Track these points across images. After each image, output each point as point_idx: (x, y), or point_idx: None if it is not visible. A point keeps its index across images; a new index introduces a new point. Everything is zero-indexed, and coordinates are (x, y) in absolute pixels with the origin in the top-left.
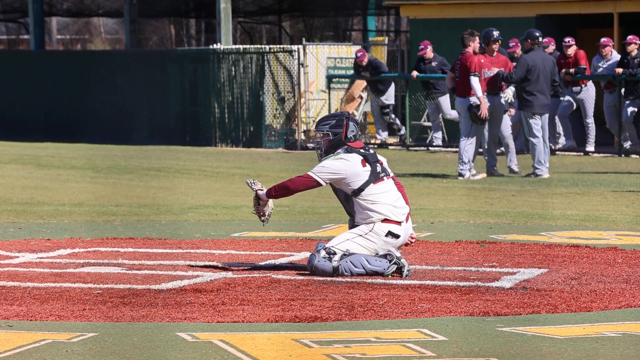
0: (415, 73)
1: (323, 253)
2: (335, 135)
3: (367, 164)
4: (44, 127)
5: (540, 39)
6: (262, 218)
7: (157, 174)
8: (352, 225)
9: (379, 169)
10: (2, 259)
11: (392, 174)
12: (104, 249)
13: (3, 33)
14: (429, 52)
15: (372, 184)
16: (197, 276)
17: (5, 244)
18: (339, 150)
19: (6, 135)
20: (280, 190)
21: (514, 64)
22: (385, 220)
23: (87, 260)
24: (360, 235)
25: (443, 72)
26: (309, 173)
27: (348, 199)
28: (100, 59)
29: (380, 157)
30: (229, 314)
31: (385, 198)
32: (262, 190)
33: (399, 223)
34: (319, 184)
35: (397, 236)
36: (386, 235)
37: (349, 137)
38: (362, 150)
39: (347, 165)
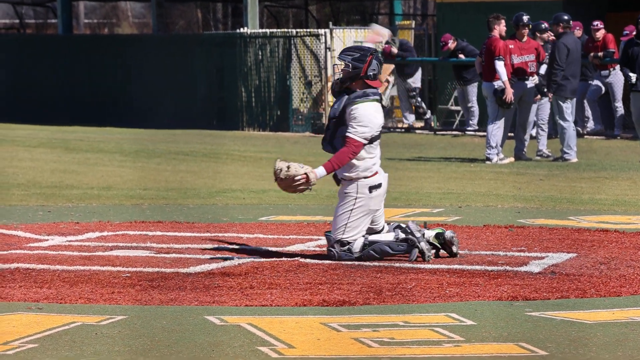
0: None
1: (338, 247)
2: (354, 68)
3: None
4: (72, 111)
5: (570, 22)
6: (309, 188)
7: (185, 158)
8: (338, 181)
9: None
10: (32, 242)
11: None
12: (132, 232)
13: (31, 17)
14: (451, 44)
15: (377, 140)
16: (225, 260)
17: (34, 227)
18: (372, 95)
19: (35, 119)
20: (337, 166)
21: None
22: (365, 178)
23: (115, 244)
24: (352, 209)
25: (466, 54)
26: (354, 137)
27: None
28: (128, 43)
29: None
30: (257, 298)
31: (376, 152)
32: (311, 171)
33: (375, 173)
34: (363, 145)
35: (379, 185)
36: (370, 192)
37: (368, 74)
38: (382, 103)
39: (378, 114)
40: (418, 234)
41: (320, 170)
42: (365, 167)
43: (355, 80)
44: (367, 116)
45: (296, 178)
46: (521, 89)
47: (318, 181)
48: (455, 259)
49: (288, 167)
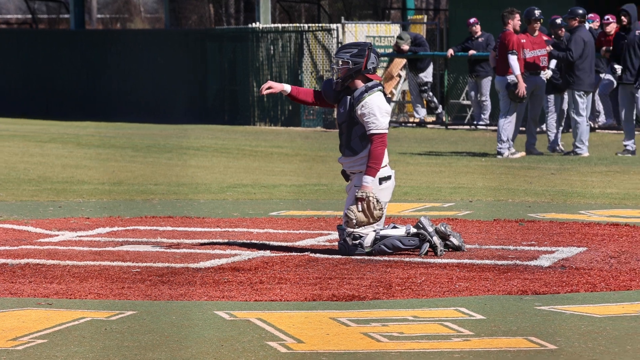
0: (450, 51)
1: (350, 241)
2: (355, 64)
3: None
4: (84, 106)
5: (586, 16)
6: (372, 221)
7: (196, 153)
8: (346, 178)
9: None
10: (42, 238)
11: None
12: (142, 227)
13: (44, 12)
14: (477, 27)
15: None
16: (235, 255)
17: (45, 223)
18: (375, 86)
19: (47, 114)
20: (379, 164)
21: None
22: None
23: (126, 239)
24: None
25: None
26: (377, 132)
27: (364, 138)
28: (140, 38)
29: None
30: (266, 293)
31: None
32: (361, 190)
33: (385, 166)
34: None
35: (388, 177)
36: (380, 183)
37: (368, 68)
38: (385, 95)
39: (385, 102)
40: (430, 229)
41: (368, 180)
42: None
43: (356, 76)
44: (379, 106)
45: (356, 209)
46: (533, 84)
47: (327, 178)
48: (465, 253)
49: (353, 214)
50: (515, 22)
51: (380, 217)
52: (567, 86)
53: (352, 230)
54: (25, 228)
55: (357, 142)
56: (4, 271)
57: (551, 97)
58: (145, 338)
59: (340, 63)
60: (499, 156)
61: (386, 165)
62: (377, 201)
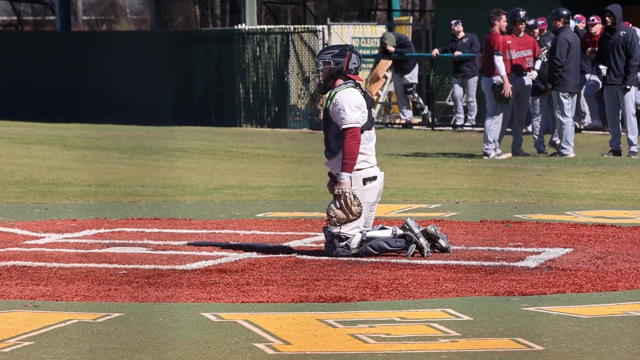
0: (436, 51)
1: (337, 242)
2: (336, 64)
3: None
4: (70, 107)
5: (570, 17)
6: (352, 217)
7: (182, 155)
8: (332, 180)
9: (373, 116)
10: (29, 240)
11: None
12: (129, 229)
13: (29, 14)
14: (459, 27)
15: (366, 129)
16: (222, 256)
17: (31, 225)
18: (348, 82)
19: (32, 116)
20: (353, 160)
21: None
22: (357, 170)
23: (112, 241)
24: None
25: (473, 50)
26: (347, 126)
27: (339, 137)
28: (126, 39)
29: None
30: (253, 294)
31: (369, 145)
32: (339, 187)
33: (370, 167)
34: (360, 128)
35: (374, 178)
36: (364, 184)
37: (350, 68)
38: (363, 91)
39: (359, 97)
40: (416, 230)
41: (344, 177)
42: (357, 160)
43: (338, 77)
44: (348, 101)
45: (335, 206)
46: (519, 85)
47: (313, 179)
48: (451, 254)
49: (332, 212)
50: (502, 23)
51: (359, 213)
52: (553, 88)
53: (338, 231)
54: (11, 230)
55: (334, 142)
56: None
57: (537, 99)
58: (132, 340)
59: (322, 64)
60: (485, 157)
61: (373, 167)
62: (354, 197)
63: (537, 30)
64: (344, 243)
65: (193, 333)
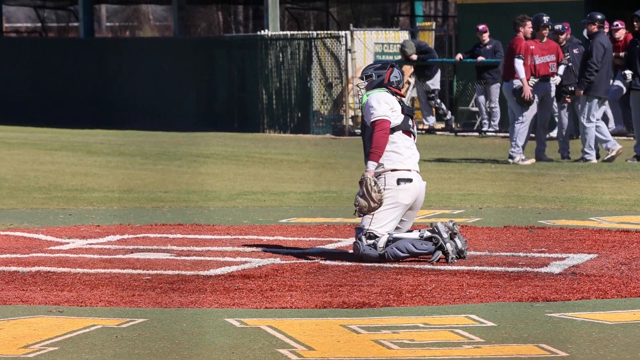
0: (459, 56)
1: (365, 240)
2: (378, 76)
3: (402, 113)
4: (94, 114)
5: (605, 21)
6: (373, 204)
7: (206, 161)
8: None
9: (410, 123)
10: (53, 245)
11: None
12: (153, 235)
13: (53, 21)
14: (486, 36)
15: (400, 131)
16: (246, 262)
17: (55, 230)
18: (382, 88)
19: (57, 122)
20: (380, 149)
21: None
22: (393, 170)
23: (136, 247)
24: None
25: (497, 57)
26: (375, 119)
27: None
28: (149, 45)
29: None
30: (277, 300)
31: (405, 150)
32: (363, 175)
33: (408, 170)
34: (390, 121)
35: (409, 180)
36: (398, 184)
37: (391, 81)
38: (402, 99)
39: (391, 97)
40: (445, 235)
41: (369, 165)
42: (392, 160)
43: (380, 88)
44: (377, 98)
45: (358, 195)
46: (543, 90)
47: (336, 185)
48: (475, 260)
49: (356, 200)
50: (526, 29)
51: (380, 201)
52: (583, 92)
53: (367, 227)
54: (35, 236)
55: (369, 145)
56: (15, 279)
57: (563, 106)
58: (156, 345)
59: (365, 78)
60: (510, 160)
61: (410, 171)
62: (375, 183)
63: (562, 36)
64: (372, 242)
65: (217, 339)
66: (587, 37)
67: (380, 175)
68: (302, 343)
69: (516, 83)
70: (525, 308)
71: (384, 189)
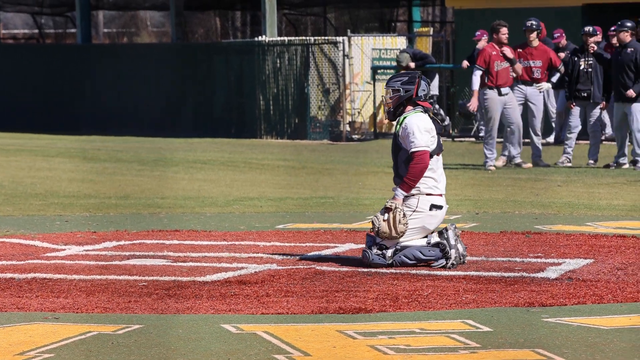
0: (465, 63)
1: (375, 250)
2: (406, 92)
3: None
4: (91, 120)
5: (636, 27)
6: (394, 234)
7: (202, 167)
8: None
9: (441, 142)
10: (49, 252)
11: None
12: (149, 241)
13: (50, 27)
14: (483, 42)
15: (435, 155)
16: (242, 268)
17: (51, 237)
18: (417, 108)
19: (53, 128)
20: (414, 181)
21: (562, 53)
22: (428, 194)
23: (132, 253)
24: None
25: None
26: (417, 149)
27: (408, 163)
28: (146, 52)
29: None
30: (273, 306)
31: (437, 172)
32: (391, 201)
33: (440, 195)
34: (429, 152)
35: (440, 207)
36: (430, 209)
37: (419, 95)
38: (433, 117)
39: (429, 122)
40: (452, 242)
41: (399, 193)
42: (428, 184)
43: (407, 104)
44: (418, 124)
45: (382, 217)
46: (523, 94)
47: (333, 190)
48: (471, 265)
49: (377, 221)
50: (500, 35)
51: (402, 233)
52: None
53: (380, 241)
54: (32, 242)
55: (403, 168)
56: (11, 286)
57: (576, 109)
58: (152, 352)
59: (391, 92)
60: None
61: (442, 196)
62: (404, 216)
63: (592, 39)
64: (382, 252)
65: (213, 345)
66: (617, 45)
67: (413, 196)
68: (298, 349)
69: (487, 92)
70: (521, 313)
71: (414, 210)
